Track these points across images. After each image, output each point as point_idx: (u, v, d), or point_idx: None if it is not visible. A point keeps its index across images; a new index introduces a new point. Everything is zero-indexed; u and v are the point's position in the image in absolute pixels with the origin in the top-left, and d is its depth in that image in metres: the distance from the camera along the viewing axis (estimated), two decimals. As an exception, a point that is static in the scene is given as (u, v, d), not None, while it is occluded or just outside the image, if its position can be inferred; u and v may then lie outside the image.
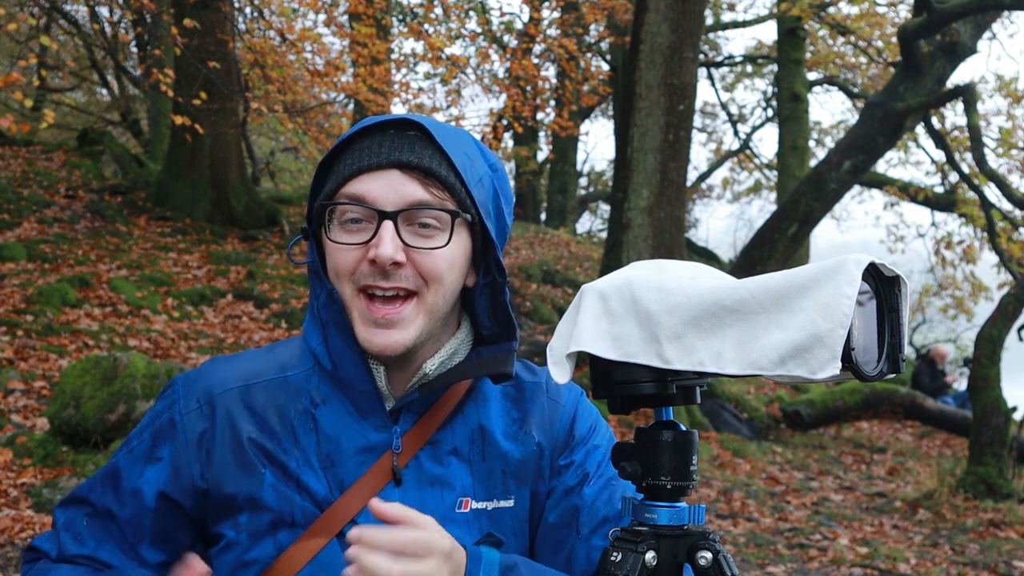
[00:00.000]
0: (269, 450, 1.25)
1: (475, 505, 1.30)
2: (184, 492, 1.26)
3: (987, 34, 13.13)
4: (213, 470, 1.25)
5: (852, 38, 15.62)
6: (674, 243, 9.00)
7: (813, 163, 15.30)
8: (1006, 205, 10.58)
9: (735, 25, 21.50)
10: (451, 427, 1.31)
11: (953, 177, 14.75)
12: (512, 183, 22.90)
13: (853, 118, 19.70)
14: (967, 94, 9.82)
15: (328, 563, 1.22)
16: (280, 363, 1.31)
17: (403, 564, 1.07)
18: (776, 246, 11.30)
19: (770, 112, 23.54)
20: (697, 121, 24.51)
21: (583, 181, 27.34)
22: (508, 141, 21.51)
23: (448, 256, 1.24)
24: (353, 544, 1.09)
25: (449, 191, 1.24)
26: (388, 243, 1.19)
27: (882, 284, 0.99)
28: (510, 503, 1.33)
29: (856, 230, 69.93)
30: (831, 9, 15.82)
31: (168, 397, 1.31)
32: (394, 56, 15.93)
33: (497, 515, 1.31)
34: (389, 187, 1.21)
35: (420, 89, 19.19)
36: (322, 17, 14.43)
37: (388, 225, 1.20)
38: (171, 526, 1.28)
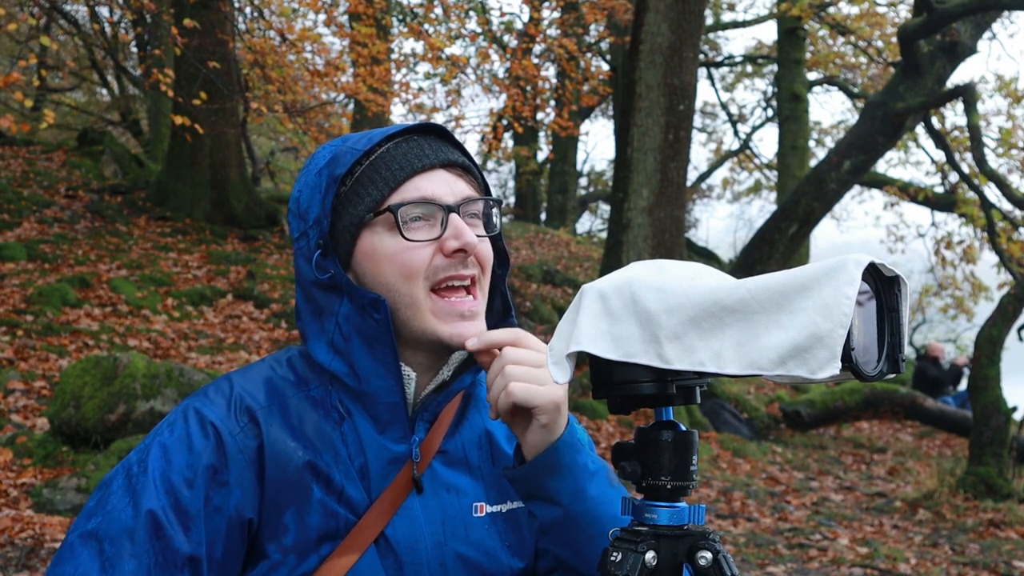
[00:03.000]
0: (316, 465, 1.24)
1: (490, 509, 1.33)
2: (252, 511, 1.22)
3: (987, 34, 13.13)
4: (267, 490, 1.22)
5: (852, 38, 15.61)
6: (674, 243, 9.00)
7: (813, 163, 15.30)
8: (1006, 205, 10.58)
9: (735, 25, 21.51)
10: (458, 434, 1.34)
11: (953, 177, 14.74)
12: (512, 183, 23.02)
13: (853, 118, 19.70)
14: (967, 94, 9.82)
15: None
16: (299, 378, 1.29)
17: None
18: (776, 246, 11.30)
19: (770, 112, 23.56)
20: (697, 121, 24.52)
21: (583, 181, 27.35)
22: (508, 141, 21.52)
23: (491, 243, 1.33)
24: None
25: (481, 185, 1.34)
26: (470, 231, 1.25)
27: (882, 284, 0.99)
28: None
29: (856, 230, 69.88)
30: (831, 9, 15.82)
31: (188, 423, 1.22)
32: (394, 56, 15.94)
33: (512, 516, 1.35)
34: (445, 184, 1.28)
35: (420, 89, 19.24)
36: (322, 17, 14.43)
37: (456, 216, 1.26)
38: (238, 550, 1.22)
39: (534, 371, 1.20)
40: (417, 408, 1.30)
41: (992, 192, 10.45)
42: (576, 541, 1.24)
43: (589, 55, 18.88)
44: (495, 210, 1.33)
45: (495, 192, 1.39)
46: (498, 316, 1.38)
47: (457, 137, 1.34)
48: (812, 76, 19.17)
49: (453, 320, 1.25)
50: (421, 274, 1.24)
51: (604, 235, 17.56)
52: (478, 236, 1.28)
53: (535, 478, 1.21)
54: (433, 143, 1.30)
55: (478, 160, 1.59)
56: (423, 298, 1.25)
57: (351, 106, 16.51)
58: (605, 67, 19.76)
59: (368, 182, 1.27)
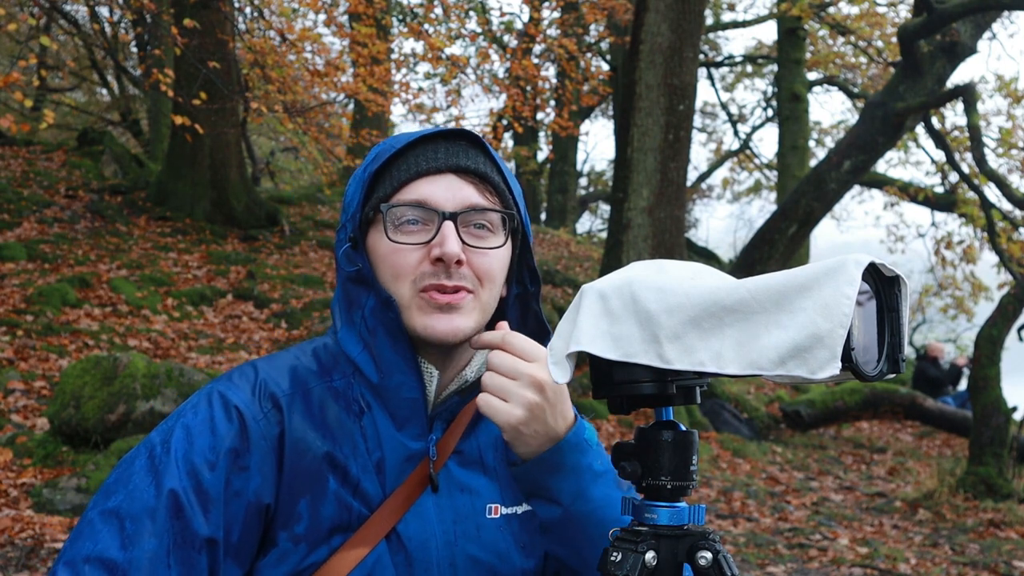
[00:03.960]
0: (334, 456, 1.24)
1: (504, 511, 1.33)
2: (270, 497, 1.22)
3: (987, 34, 13.12)
4: (284, 477, 1.23)
5: (852, 38, 15.61)
6: (674, 243, 9.00)
7: (813, 163, 15.30)
8: (1006, 205, 10.57)
9: (735, 25, 21.50)
10: (474, 435, 1.34)
11: (953, 177, 14.74)
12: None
13: (853, 118, 19.70)
14: (967, 94, 9.82)
15: (371, 573, 1.23)
16: (322, 368, 1.30)
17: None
18: (776, 246, 11.30)
19: (770, 112, 23.55)
20: (697, 121, 24.51)
21: (583, 181, 27.35)
22: (508, 141, 21.52)
23: (500, 256, 1.29)
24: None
25: (499, 196, 1.30)
26: (453, 241, 1.23)
27: (882, 284, 0.99)
28: None
29: (856, 230, 69.86)
30: (831, 9, 15.81)
31: (213, 406, 1.23)
32: (394, 56, 15.94)
33: (527, 517, 1.35)
34: (448, 190, 1.26)
35: (420, 89, 19.24)
36: (322, 17, 14.43)
37: (449, 224, 1.24)
38: (254, 535, 1.23)
39: (504, 383, 1.18)
40: (436, 407, 1.30)
41: (992, 192, 10.46)
42: (576, 541, 1.23)
43: (589, 55, 18.87)
44: (509, 223, 1.29)
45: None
46: (532, 335, 1.35)
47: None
48: (812, 76, 19.16)
49: (430, 312, 1.25)
50: (408, 277, 1.25)
51: (604, 235, 17.55)
52: (480, 247, 1.26)
53: (536, 476, 1.21)
54: (452, 147, 1.28)
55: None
56: (410, 298, 1.25)
57: (351, 106, 16.51)
58: (605, 67, 19.75)
59: (382, 181, 1.29)
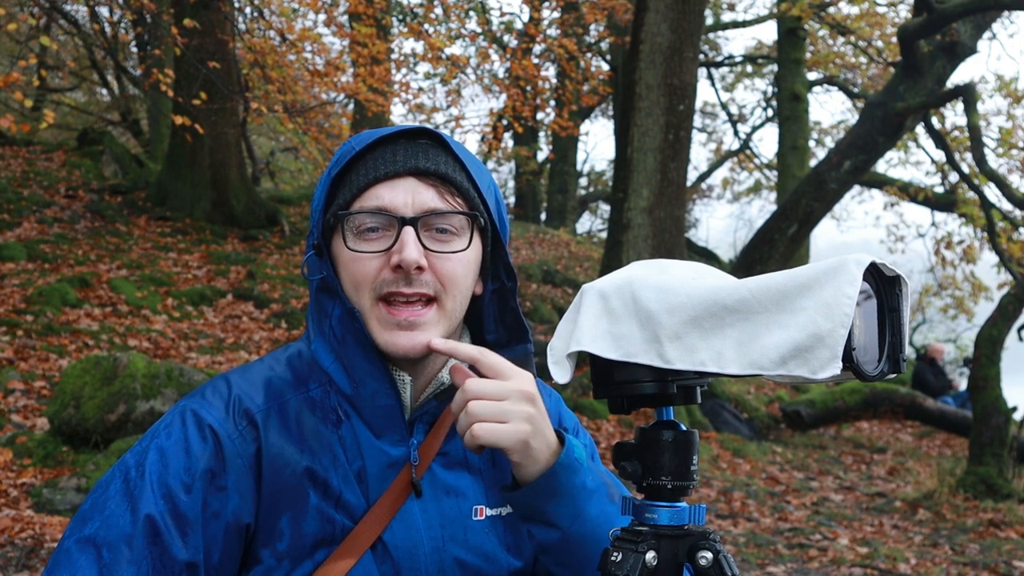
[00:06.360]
0: (314, 470, 1.22)
1: (489, 512, 1.31)
2: (249, 516, 1.21)
3: (987, 34, 13.12)
4: (263, 495, 1.20)
5: (852, 38, 15.61)
6: (674, 243, 9.00)
7: (813, 163, 15.29)
8: (1006, 205, 10.58)
9: (735, 25, 21.49)
10: (458, 436, 1.32)
11: (953, 177, 14.74)
12: (512, 183, 23.01)
13: (853, 118, 19.70)
14: (967, 94, 9.82)
15: None
16: (297, 379, 1.27)
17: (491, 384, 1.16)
18: (776, 246, 11.30)
19: (770, 112, 23.54)
20: (697, 121, 24.50)
21: (583, 181, 27.34)
22: (508, 141, 21.52)
23: (465, 260, 1.25)
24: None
25: (463, 196, 1.26)
26: (412, 247, 1.20)
27: (883, 284, 0.99)
28: None
29: (856, 230, 69.86)
30: (831, 9, 15.81)
31: (186, 425, 1.20)
32: (394, 56, 15.93)
33: (512, 519, 1.33)
34: (407, 194, 1.22)
35: (420, 89, 19.24)
36: (322, 17, 14.43)
37: (409, 230, 1.21)
38: (234, 555, 1.21)
39: (497, 406, 1.14)
40: (415, 412, 1.28)
41: (992, 192, 10.46)
42: (576, 561, 1.22)
43: (589, 55, 18.86)
44: (474, 224, 1.26)
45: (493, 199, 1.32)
46: (511, 332, 1.34)
47: (456, 139, 1.29)
48: (812, 76, 19.15)
49: (390, 328, 1.22)
50: (367, 286, 1.22)
51: (604, 235, 17.55)
52: (442, 252, 1.23)
53: (533, 502, 1.19)
54: (412, 148, 1.25)
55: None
56: (370, 307, 1.23)
57: (351, 106, 16.50)
58: (605, 67, 19.73)
59: (342, 186, 1.26)
